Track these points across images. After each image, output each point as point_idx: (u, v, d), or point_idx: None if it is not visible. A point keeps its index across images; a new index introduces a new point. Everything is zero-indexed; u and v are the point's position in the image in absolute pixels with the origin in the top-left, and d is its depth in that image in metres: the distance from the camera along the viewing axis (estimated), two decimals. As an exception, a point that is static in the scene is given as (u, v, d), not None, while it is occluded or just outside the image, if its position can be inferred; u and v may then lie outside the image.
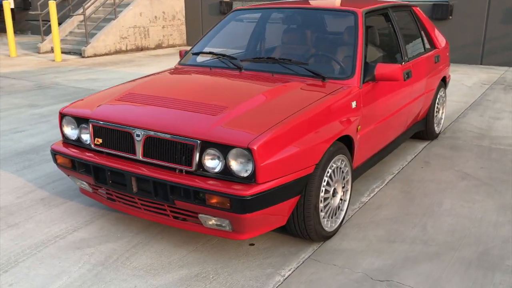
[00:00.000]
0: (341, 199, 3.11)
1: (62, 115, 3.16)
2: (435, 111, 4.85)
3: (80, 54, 11.47)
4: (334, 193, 3.01)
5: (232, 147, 2.51)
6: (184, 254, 2.89)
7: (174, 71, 3.77)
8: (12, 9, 15.57)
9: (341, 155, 2.99)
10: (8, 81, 8.34)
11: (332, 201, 3.00)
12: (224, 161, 2.55)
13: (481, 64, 9.88)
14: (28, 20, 16.31)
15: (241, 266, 2.76)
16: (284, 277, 2.66)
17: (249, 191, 2.45)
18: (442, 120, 5.19)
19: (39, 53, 11.91)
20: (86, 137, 3.05)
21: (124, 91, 3.24)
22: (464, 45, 9.92)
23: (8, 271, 2.72)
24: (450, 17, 9.92)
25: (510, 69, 9.30)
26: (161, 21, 12.88)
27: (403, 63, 3.98)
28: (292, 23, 4.11)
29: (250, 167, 2.50)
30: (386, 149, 3.92)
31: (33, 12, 12.83)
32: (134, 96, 3.12)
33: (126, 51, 12.19)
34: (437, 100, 4.90)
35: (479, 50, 9.86)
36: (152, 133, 2.69)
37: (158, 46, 12.95)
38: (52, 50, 11.32)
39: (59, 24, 12.52)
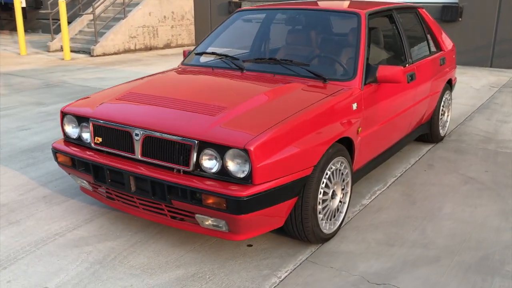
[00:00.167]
0: (340, 201, 3.10)
1: (63, 114, 3.18)
2: (440, 114, 4.82)
3: (89, 53, 11.53)
4: (333, 195, 3.00)
5: (229, 147, 2.51)
6: (181, 254, 2.89)
7: (176, 71, 3.78)
8: (23, 8, 15.72)
9: (340, 157, 2.97)
10: (17, 79, 8.41)
11: (331, 203, 2.98)
12: (221, 161, 2.55)
13: (490, 66, 9.79)
14: (38, 19, 16.43)
15: (238, 267, 2.76)
16: (281, 279, 2.66)
17: (245, 192, 2.44)
18: (448, 123, 5.16)
19: (48, 51, 12.00)
20: (86, 135, 3.06)
21: (125, 90, 3.25)
22: (473, 47, 9.85)
23: (7, 267, 2.74)
24: (460, 19, 9.86)
25: (520, 72, 9.23)
26: (170, 21, 12.92)
27: (407, 65, 3.96)
28: (295, 24, 4.10)
29: (246, 168, 2.50)
30: (388, 151, 3.89)
31: (43, 11, 12.93)
32: (135, 95, 3.13)
33: (135, 51, 12.25)
34: (443, 102, 4.86)
35: (489, 52, 9.78)
36: (150, 132, 2.70)
37: (167, 46, 13.00)
38: (61, 49, 11.39)
39: (69, 23, 12.62)
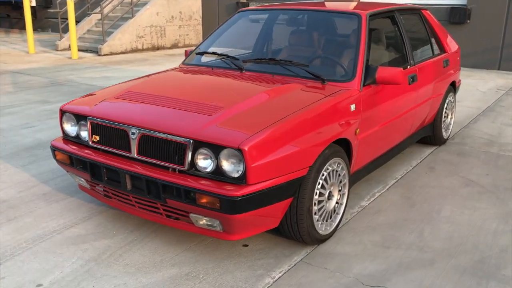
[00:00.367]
0: (337, 203, 3.09)
1: (62, 112, 3.20)
2: (443, 116, 4.79)
3: (96, 52, 11.60)
4: (330, 196, 2.99)
5: (224, 147, 2.51)
6: (177, 252, 2.90)
7: (176, 70, 3.79)
8: (33, 7, 15.85)
9: (337, 158, 2.96)
10: (24, 77, 8.48)
11: (327, 204, 2.97)
12: (216, 161, 2.55)
13: (498, 69, 9.71)
14: (48, 18, 16.55)
15: (232, 267, 2.76)
16: (274, 279, 2.65)
17: (239, 192, 2.44)
18: (451, 126, 5.12)
19: (57, 50, 12.08)
20: (84, 134, 3.08)
21: (123, 89, 3.27)
22: (481, 50, 9.78)
23: (2, 264, 2.76)
24: (468, 21, 9.79)
25: (528, 75, 9.14)
26: (178, 20, 12.96)
27: (408, 66, 3.94)
28: (296, 24, 4.10)
29: (241, 168, 2.50)
30: (388, 153, 3.87)
31: (52, 10, 13.02)
32: (133, 94, 3.14)
33: (142, 50, 12.30)
34: (446, 105, 4.83)
35: (497, 55, 9.70)
36: (146, 131, 2.71)
37: (174, 46, 13.03)
38: (69, 48, 11.46)
39: (78, 22, 12.71)
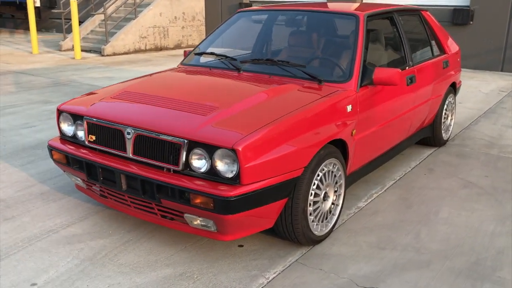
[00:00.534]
0: (333, 204, 3.08)
1: (59, 112, 3.21)
2: (442, 118, 4.77)
3: (100, 52, 11.63)
4: (325, 197, 2.98)
5: (218, 147, 2.51)
6: (172, 253, 2.90)
7: (174, 70, 3.79)
8: (38, 8, 15.92)
9: (333, 158, 2.96)
10: (26, 78, 8.51)
11: (323, 205, 2.97)
12: (210, 161, 2.55)
13: (502, 71, 9.67)
14: (52, 18, 16.61)
15: (227, 267, 2.76)
16: (268, 280, 2.65)
17: (233, 192, 2.44)
18: (451, 127, 5.10)
19: (60, 50, 12.12)
20: (81, 134, 3.08)
21: (120, 89, 3.27)
22: (484, 51, 9.74)
23: (-2, 263, 2.77)
24: (471, 22, 9.75)
25: (531, 77, 9.11)
26: (181, 21, 12.98)
27: (407, 67, 3.93)
28: (294, 25, 4.10)
29: (235, 168, 2.50)
30: (386, 154, 3.86)
31: (56, 11, 13.06)
32: (129, 94, 3.15)
33: (145, 51, 12.32)
34: (446, 106, 4.81)
35: (500, 56, 9.66)
36: (142, 131, 2.71)
37: (177, 46, 13.05)
38: (73, 48, 11.49)
39: (82, 22, 12.74)
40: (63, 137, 3.22)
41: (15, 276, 2.65)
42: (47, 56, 11.19)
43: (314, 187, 2.84)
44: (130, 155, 2.78)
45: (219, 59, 3.73)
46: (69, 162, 3.05)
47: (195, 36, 13.44)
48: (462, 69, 9.44)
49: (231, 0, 12.75)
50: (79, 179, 3.13)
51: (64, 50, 12.09)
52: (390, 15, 3.99)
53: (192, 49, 4.21)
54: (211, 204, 2.46)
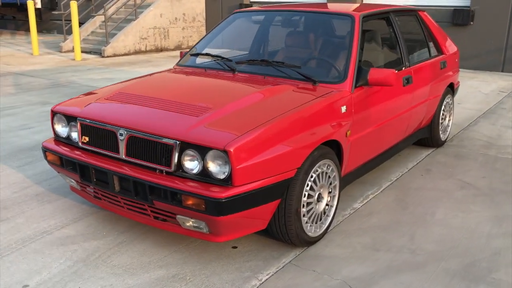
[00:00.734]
0: (327, 205, 3.07)
1: (53, 113, 3.20)
2: (440, 118, 4.75)
3: (100, 53, 11.63)
4: (319, 198, 2.97)
5: (210, 148, 2.50)
6: (165, 254, 2.89)
7: (169, 71, 3.78)
8: (39, 9, 15.95)
9: (327, 160, 2.94)
10: (26, 79, 8.52)
11: (317, 206, 2.96)
12: (202, 162, 2.54)
13: (502, 71, 9.64)
14: (53, 19, 16.64)
15: (220, 269, 2.75)
16: (261, 282, 2.64)
17: (224, 194, 2.43)
18: (449, 128, 5.08)
19: (61, 52, 12.13)
20: (75, 135, 3.08)
21: (115, 90, 3.27)
22: (485, 51, 9.71)
23: (-9, 264, 2.77)
24: (471, 22, 9.72)
25: (532, 77, 9.07)
26: (181, 22, 12.98)
27: (403, 68, 3.91)
28: (290, 26, 4.09)
29: (227, 169, 2.49)
30: (383, 155, 3.85)
31: (57, 12, 13.08)
32: (123, 95, 3.14)
33: (146, 52, 12.32)
34: (443, 106, 4.79)
35: (500, 57, 9.63)
36: (134, 132, 2.70)
37: (178, 47, 13.05)
38: (73, 49, 11.51)
39: (82, 23, 12.75)
40: (57, 138, 3.21)
41: (8, 278, 2.64)
42: (47, 58, 11.20)
43: (308, 188, 2.83)
44: (123, 156, 2.77)
45: (214, 60, 3.73)
46: (62, 163, 3.05)
47: (196, 37, 13.44)
48: (462, 69, 9.48)
49: (232, 1, 12.75)
50: (73, 180, 3.12)
51: (65, 52, 12.10)
52: (386, 15, 3.97)
53: (188, 50, 4.20)
54: (203, 206, 2.45)
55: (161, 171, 2.65)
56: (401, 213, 3.45)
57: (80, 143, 2.98)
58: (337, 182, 3.11)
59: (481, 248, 2.98)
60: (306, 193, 2.83)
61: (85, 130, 2.94)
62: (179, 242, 3.02)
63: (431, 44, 4.64)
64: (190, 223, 2.63)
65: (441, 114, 4.75)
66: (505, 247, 3.00)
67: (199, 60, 3.92)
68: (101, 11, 12.06)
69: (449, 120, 5.04)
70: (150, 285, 2.59)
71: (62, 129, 3.17)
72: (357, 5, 4.14)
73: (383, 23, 4.00)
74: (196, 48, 4.06)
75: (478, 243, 3.05)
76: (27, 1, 11.59)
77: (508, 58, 9.53)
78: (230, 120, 2.70)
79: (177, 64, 3.98)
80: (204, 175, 2.56)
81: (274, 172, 2.61)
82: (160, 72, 3.82)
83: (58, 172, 3.24)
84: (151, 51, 12.45)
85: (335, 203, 3.14)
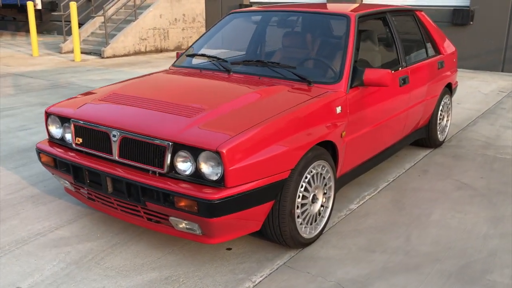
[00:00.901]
0: (322, 206, 3.05)
1: (48, 114, 3.19)
2: (438, 118, 4.73)
3: (100, 54, 11.63)
4: (314, 200, 2.95)
5: (202, 149, 2.49)
6: (159, 256, 2.88)
7: (164, 72, 3.77)
8: (39, 10, 15.96)
9: (321, 160, 2.93)
10: (26, 80, 8.52)
11: (311, 208, 2.94)
12: (195, 163, 2.53)
13: (502, 71, 9.61)
14: (53, 20, 16.65)
15: (214, 271, 2.73)
16: (255, 284, 2.62)
17: (217, 195, 2.42)
18: (447, 128, 5.06)
19: (60, 53, 12.13)
20: (69, 136, 3.07)
21: (109, 91, 3.26)
22: (485, 51, 9.68)
23: (-16, 266, 2.76)
24: (471, 22, 9.70)
25: (532, 77, 9.04)
26: (181, 23, 12.98)
27: (399, 68, 3.89)
28: (286, 26, 4.08)
29: (219, 171, 2.47)
30: (379, 156, 3.83)
31: (56, 13, 13.08)
32: (117, 96, 3.13)
33: (146, 53, 12.32)
34: (441, 107, 4.77)
35: (500, 56, 9.60)
36: (127, 133, 2.69)
37: (178, 48, 13.05)
38: (73, 50, 11.51)
39: (82, 24, 12.76)
40: (52, 139, 3.20)
41: (0, 280, 2.63)
42: (47, 59, 11.20)
43: (302, 189, 2.81)
44: (116, 157, 2.76)
45: (210, 61, 3.71)
46: (56, 165, 3.04)
47: (196, 37, 13.43)
48: (462, 69, 9.45)
49: (232, 1, 12.73)
50: (67, 182, 3.11)
51: (64, 53, 12.11)
52: (382, 15, 3.96)
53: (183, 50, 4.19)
54: (195, 207, 2.43)
55: (154, 172, 2.64)
56: (397, 214, 3.43)
57: (73, 145, 2.97)
58: (332, 183, 3.09)
59: (477, 249, 2.96)
60: (301, 195, 2.81)
61: (79, 131, 2.93)
62: (174, 243, 3.00)
63: (428, 44, 4.62)
64: (183, 225, 2.61)
65: (438, 114, 4.73)
66: (502, 248, 2.98)
67: (195, 60, 3.91)
68: (101, 12, 12.06)
69: (447, 121, 5.02)
70: (143, 287, 2.58)
71: (56, 131, 3.16)
72: (355, 5, 4.12)
73: (380, 23, 3.99)
74: (193, 49, 4.04)
75: (474, 244, 3.03)
76: (27, 2, 11.60)
77: (508, 58, 9.50)
78: (223, 121, 2.69)
79: (173, 65, 3.97)
80: (197, 177, 2.54)
81: (267, 173, 2.59)
82: (155, 73, 3.81)
83: (52, 174, 3.23)
84: (151, 52, 12.45)
85: (330, 204, 3.12)
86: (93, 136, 2.86)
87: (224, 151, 2.41)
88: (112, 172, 2.70)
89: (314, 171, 2.89)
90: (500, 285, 2.61)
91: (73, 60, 10.93)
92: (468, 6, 9.70)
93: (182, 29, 13.07)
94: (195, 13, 13.29)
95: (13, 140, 5.05)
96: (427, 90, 4.33)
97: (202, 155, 2.50)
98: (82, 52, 11.46)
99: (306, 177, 2.83)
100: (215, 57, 3.67)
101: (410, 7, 4.73)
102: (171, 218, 2.61)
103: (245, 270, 2.74)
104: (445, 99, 4.85)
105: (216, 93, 3.15)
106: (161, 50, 12.70)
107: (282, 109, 2.81)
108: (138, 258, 2.85)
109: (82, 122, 2.91)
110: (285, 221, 2.74)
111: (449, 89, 4.94)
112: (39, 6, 15.53)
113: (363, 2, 10.48)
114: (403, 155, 4.61)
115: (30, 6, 11.47)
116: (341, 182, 3.37)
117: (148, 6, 12.43)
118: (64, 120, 3.09)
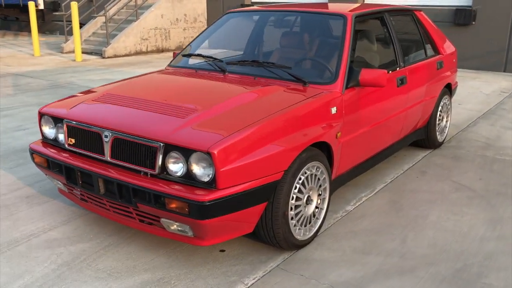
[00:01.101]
0: (317, 207, 3.02)
1: (41, 115, 3.17)
2: (437, 119, 4.69)
3: (101, 54, 11.63)
4: (308, 201, 2.92)
5: (193, 150, 2.46)
6: (151, 257, 2.85)
7: (160, 72, 3.75)
8: (41, 10, 15.97)
9: (316, 162, 2.89)
10: (25, 80, 8.51)
11: (306, 209, 2.91)
12: (187, 165, 2.50)
13: (504, 71, 9.55)
14: (55, 20, 16.66)
15: (206, 273, 2.70)
16: (247, 286, 2.59)
17: (208, 197, 2.39)
18: (447, 129, 5.02)
19: (62, 53, 12.13)
20: (62, 137, 3.05)
21: (103, 91, 3.23)
22: (487, 52, 9.62)
23: (-25, 268, 2.74)
24: (473, 22, 9.64)
25: (534, 78, 8.98)
26: (183, 23, 12.96)
27: (397, 68, 3.86)
28: (282, 26, 4.05)
29: (211, 172, 2.44)
30: (376, 157, 3.79)
31: (58, 13, 13.08)
32: (111, 97, 3.11)
33: (147, 53, 12.31)
34: (440, 107, 4.73)
35: (503, 57, 9.54)
36: (119, 134, 2.67)
37: (179, 48, 13.02)
38: (74, 50, 11.51)
39: (84, 24, 12.76)
40: (45, 140, 3.18)
41: (-10, 282, 2.61)
42: (48, 58, 11.20)
43: (296, 190, 2.78)
44: (108, 158, 2.73)
45: (205, 61, 3.69)
46: (49, 165, 3.01)
47: (197, 37, 13.41)
48: (464, 70, 9.40)
49: (233, 1, 12.71)
50: (60, 182, 3.09)
51: (66, 53, 12.10)
52: (380, 15, 3.92)
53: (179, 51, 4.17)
54: (186, 209, 2.41)
55: (145, 173, 2.61)
56: (394, 215, 3.39)
57: (66, 145, 2.95)
58: (327, 185, 3.06)
59: (473, 252, 2.93)
60: (294, 196, 2.78)
61: (71, 131, 2.91)
62: (167, 245, 2.98)
63: (427, 44, 4.58)
64: (174, 226, 2.59)
65: (438, 115, 4.69)
66: (498, 251, 2.94)
67: (191, 61, 3.88)
68: (102, 12, 12.05)
69: (446, 121, 4.98)
70: (133, 289, 2.56)
71: (49, 131, 3.13)
72: (355, 5, 4.08)
73: (378, 23, 3.95)
74: (190, 47, 4.02)
75: (470, 247, 2.99)
76: (28, 2, 11.60)
77: (510, 58, 9.43)
78: (216, 122, 2.66)
79: (169, 65, 3.95)
80: (189, 178, 2.51)
81: (260, 175, 2.56)
82: (151, 73, 3.78)
83: (46, 174, 3.20)
84: (152, 52, 12.44)
85: (325, 205, 3.09)
86: (85, 136, 2.83)
87: (215, 152, 2.39)
88: (104, 173, 2.68)
89: (308, 172, 2.86)
90: (496, 289, 2.58)
91: (74, 60, 10.92)
92: (470, 6, 9.65)
93: (184, 29, 13.05)
94: (196, 13, 13.27)
95: (9, 140, 5.04)
96: (425, 91, 4.29)
97: (194, 156, 2.47)
98: (83, 52, 11.46)
99: (300, 179, 2.80)
100: (211, 57, 3.64)
101: (409, 7, 4.69)
102: (162, 219, 2.59)
103: (238, 272, 2.71)
104: (445, 100, 4.81)
105: (210, 94, 3.12)
106: (162, 50, 12.68)
107: (275, 109, 2.78)
108: (130, 260, 2.82)
109: (74, 122, 2.88)
110: (279, 223, 2.71)
111: (449, 89, 4.90)
112: (42, 6, 15.53)
113: (365, 1, 10.44)
114: (402, 156, 4.58)
115: (31, 6, 11.47)
116: (337, 183, 3.34)
117: (150, 6, 12.42)
118: (57, 120, 3.06)
